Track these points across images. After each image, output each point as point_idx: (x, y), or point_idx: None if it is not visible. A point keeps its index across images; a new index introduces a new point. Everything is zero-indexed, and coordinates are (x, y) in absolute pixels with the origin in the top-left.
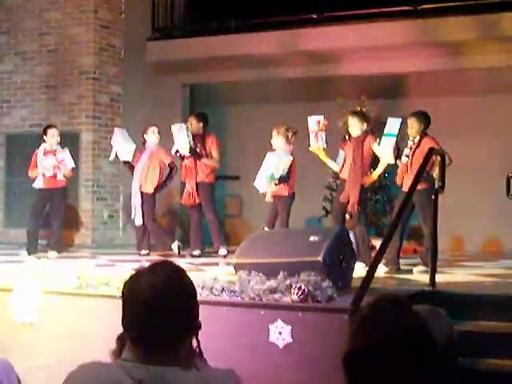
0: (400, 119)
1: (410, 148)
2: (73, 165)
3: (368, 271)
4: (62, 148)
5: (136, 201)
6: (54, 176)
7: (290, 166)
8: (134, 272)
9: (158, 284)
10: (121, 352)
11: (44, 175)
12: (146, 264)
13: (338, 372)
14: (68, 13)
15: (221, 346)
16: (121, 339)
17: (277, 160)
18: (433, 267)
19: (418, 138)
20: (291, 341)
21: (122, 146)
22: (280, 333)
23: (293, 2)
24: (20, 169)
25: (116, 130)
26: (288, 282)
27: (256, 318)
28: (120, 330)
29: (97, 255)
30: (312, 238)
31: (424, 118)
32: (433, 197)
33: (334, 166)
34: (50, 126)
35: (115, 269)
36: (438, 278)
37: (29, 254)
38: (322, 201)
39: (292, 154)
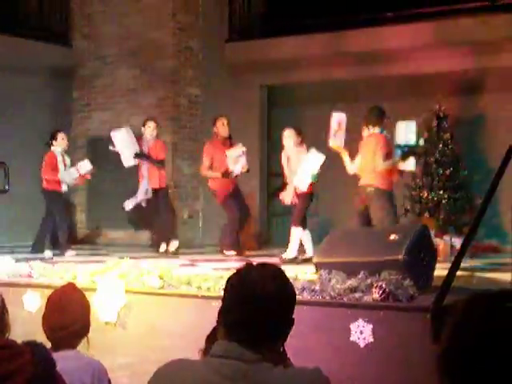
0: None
1: None
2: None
3: (450, 269)
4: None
5: None
6: None
7: None
8: (244, 265)
9: (270, 278)
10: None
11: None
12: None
13: (421, 371)
14: (147, 17)
15: (301, 345)
16: (211, 338)
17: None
18: None
19: None
20: (372, 340)
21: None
22: (361, 332)
23: (366, 1)
24: (101, 171)
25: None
26: (369, 281)
27: (337, 317)
28: (201, 329)
29: (178, 255)
30: (392, 237)
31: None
32: None
33: (349, 167)
34: (58, 130)
35: (196, 269)
36: None
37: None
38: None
39: None
